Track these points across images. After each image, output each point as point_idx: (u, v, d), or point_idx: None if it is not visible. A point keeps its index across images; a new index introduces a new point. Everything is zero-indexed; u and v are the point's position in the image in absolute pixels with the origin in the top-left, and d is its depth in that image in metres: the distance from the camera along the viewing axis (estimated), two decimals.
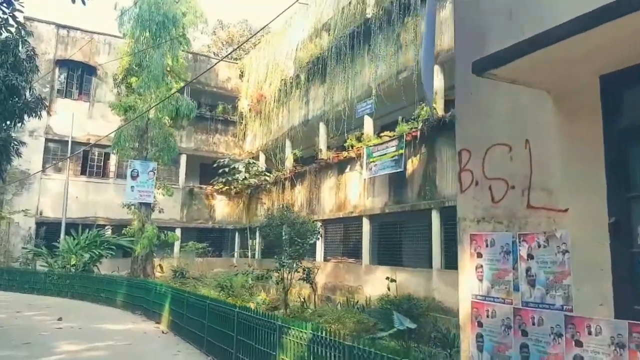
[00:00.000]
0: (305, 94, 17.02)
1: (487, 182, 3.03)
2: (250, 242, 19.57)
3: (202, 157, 23.33)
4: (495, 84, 2.69)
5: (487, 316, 2.87)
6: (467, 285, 3.08)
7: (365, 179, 13.02)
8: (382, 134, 12.25)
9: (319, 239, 11.81)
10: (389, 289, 10.05)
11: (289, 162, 18.06)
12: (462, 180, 3.21)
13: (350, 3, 14.50)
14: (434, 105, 10.71)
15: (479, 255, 2.97)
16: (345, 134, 13.72)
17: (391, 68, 12.44)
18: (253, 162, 16.74)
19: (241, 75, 24.53)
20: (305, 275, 10.21)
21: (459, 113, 3.40)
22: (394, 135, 11.56)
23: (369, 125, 13.40)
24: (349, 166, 13.99)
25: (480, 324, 2.92)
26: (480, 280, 2.94)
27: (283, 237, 10.83)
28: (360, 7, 14.03)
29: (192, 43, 20.23)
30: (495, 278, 2.83)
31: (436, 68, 10.77)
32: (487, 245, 2.92)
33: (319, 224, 13.06)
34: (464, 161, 3.20)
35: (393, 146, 11.47)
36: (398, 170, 11.27)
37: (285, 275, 10.34)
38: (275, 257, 10.90)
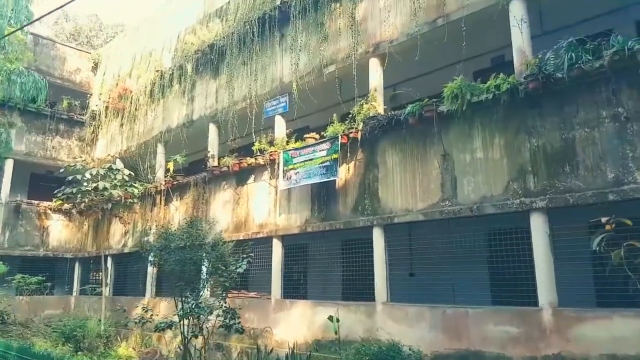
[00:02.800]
0: (191, 89, 13.80)
1: None
2: (97, 274, 15.11)
3: (35, 165, 17.86)
4: None
5: None
6: None
7: (278, 191, 10.33)
8: (307, 136, 9.72)
9: (249, 263, 8.50)
10: (336, 332, 7.34)
11: (161, 173, 14.45)
12: None
13: None
14: (372, 102, 8.70)
15: None
16: (253, 136, 10.87)
17: (313, 61, 10.18)
18: (116, 169, 12.54)
19: (95, 68, 19.71)
20: (228, 320, 6.91)
21: None
22: (323, 137, 9.12)
23: (280, 126, 10.95)
24: (253, 175, 11.24)
25: None
26: None
27: (189, 265, 7.35)
28: None
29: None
30: None
31: (375, 61, 9.13)
32: None
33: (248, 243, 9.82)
34: None
35: (323, 150, 9.12)
36: (330, 179, 8.84)
37: (192, 322, 6.88)
38: (181, 296, 7.33)
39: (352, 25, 9.48)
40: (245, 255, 8.22)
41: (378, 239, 8.44)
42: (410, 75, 9.93)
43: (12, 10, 14.75)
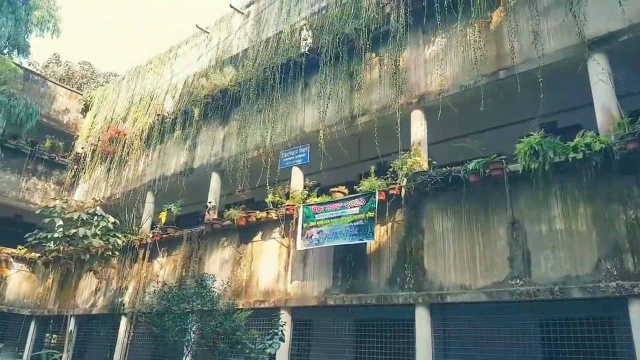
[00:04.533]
0: (195, 135, 12.57)
1: None
2: (56, 336, 12.66)
3: (4, 207, 15.55)
4: None
5: None
6: None
7: (292, 252, 8.94)
8: (334, 190, 8.36)
9: (278, 344, 6.47)
10: None
11: (147, 224, 12.87)
12: None
13: (280, 33, 10.97)
14: (416, 157, 7.48)
15: None
16: (267, 188, 9.53)
17: (341, 112, 9.24)
18: (100, 215, 10.63)
19: (85, 110, 18.22)
20: None
21: None
22: (354, 192, 7.88)
23: (298, 178, 9.76)
24: (261, 232, 9.78)
25: None
26: None
27: (191, 333, 5.37)
28: (294, 38, 10.60)
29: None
30: None
31: (418, 114, 8.18)
32: None
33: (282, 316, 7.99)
34: None
35: (355, 207, 7.81)
36: (363, 241, 7.48)
37: None
38: None
39: (394, 74, 8.46)
40: (276, 330, 6.26)
41: (422, 320, 6.79)
42: (453, 132, 8.83)
43: (8, 39, 13.39)
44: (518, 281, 6.14)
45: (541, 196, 6.24)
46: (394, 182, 7.70)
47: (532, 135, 6.15)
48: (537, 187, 6.19)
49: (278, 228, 9.33)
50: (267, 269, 9.27)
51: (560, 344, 5.81)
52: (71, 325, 12.73)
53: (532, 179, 6.13)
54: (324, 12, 10.15)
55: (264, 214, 9.44)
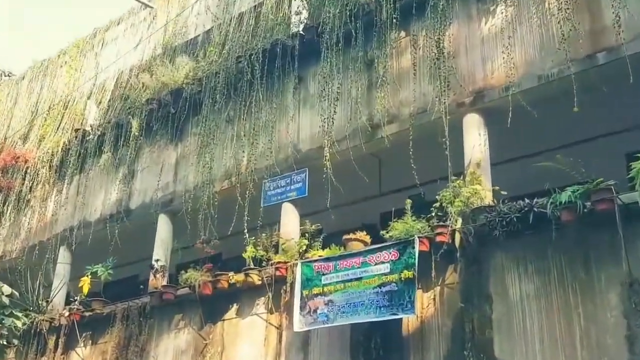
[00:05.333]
0: (133, 159, 12.73)
1: None
2: None
3: None
4: None
5: None
6: None
7: (286, 335, 8.95)
8: (349, 237, 8.55)
9: None
10: None
11: (61, 295, 12.90)
12: None
13: (260, 5, 11.20)
14: (474, 185, 7.51)
15: None
16: (246, 236, 9.60)
17: (354, 120, 9.40)
18: None
19: None
20: None
21: None
22: (385, 239, 8.00)
23: (291, 221, 9.80)
24: (236, 304, 9.79)
25: None
26: None
27: None
28: (282, 12, 10.77)
29: None
30: None
31: (474, 119, 8.28)
32: None
33: None
34: None
35: (384, 262, 7.90)
36: (397, 316, 7.61)
37: None
38: None
39: (435, 61, 8.46)
40: None
41: None
42: (524, 147, 8.86)
43: None
44: None
45: None
46: (441, 223, 7.55)
47: None
48: None
49: (263, 298, 9.26)
50: None
51: None
52: None
53: None
54: None
55: (241, 277, 9.31)
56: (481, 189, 7.60)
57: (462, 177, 7.73)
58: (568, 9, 7.35)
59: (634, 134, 7.26)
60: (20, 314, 11.12)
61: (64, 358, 11.76)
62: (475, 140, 7.99)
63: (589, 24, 7.37)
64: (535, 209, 6.71)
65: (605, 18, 7.22)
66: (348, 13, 9.43)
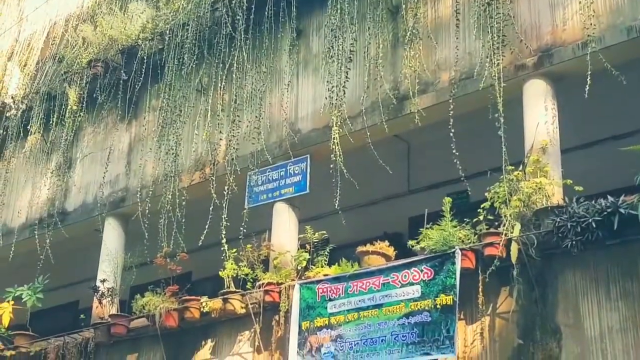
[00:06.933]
0: (70, 142, 12.83)
1: None
2: None
3: None
4: None
5: None
6: None
7: None
8: (365, 249, 8.69)
9: None
10: None
11: None
12: None
13: None
14: (538, 178, 7.62)
15: None
16: (225, 248, 9.73)
17: (375, 86, 9.47)
18: None
19: None
20: None
21: None
22: (414, 252, 8.22)
23: (287, 227, 10.05)
24: (211, 341, 10.05)
25: None
26: None
27: None
28: None
29: None
30: None
31: (539, 87, 8.36)
32: None
33: None
34: None
35: (413, 284, 8.05)
36: (431, 357, 7.77)
37: None
38: None
39: (484, 7, 8.42)
40: None
41: None
42: (607, 127, 8.88)
43: None
44: None
45: None
46: (493, 230, 7.67)
47: None
48: None
49: (247, 332, 9.48)
50: None
51: None
52: None
53: None
54: None
55: (217, 304, 9.45)
56: (548, 183, 7.63)
57: (521, 168, 7.80)
58: None
59: None
60: None
61: None
62: (541, 116, 8.02)
63: None
64: (622, 210, 6.70)
65: None
66: None
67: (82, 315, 11.51)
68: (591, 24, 7.67)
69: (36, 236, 12.28)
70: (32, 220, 12.74)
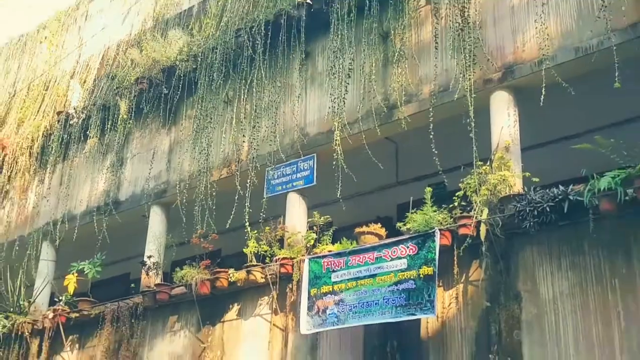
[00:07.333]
0: (122, 145, 12.94)
1: None
2: None
3: None
4: None
5: None
6: None
7: (292, 337, 9.10)
8: (362, 230, 8.71)
9: None
10: None
11: (44, 296, 12.99)
12: None
13: None
14: (502, 171, 7.69)
15: None
16: (248, 230, 9.77)
17: (367, 100, 9.45)
18: None
19: None
20: None
21: None
22: (402, 232, 8.18)
23: (298, 213, 9.92)
24: (237, 305, 9.96)
25: None
26: None
27: None
28: None
29: None
30: None
31: (504, 97, 8.31)
32: None
33: None
34: None
35: (400, 257, 8.00)
36: (415, 317, 7.73)
37: None
38: None
39: (459, 31, 8.50)
40: None
41: None
42: (559, 129, 8.89)
43: None
44: None
45: None
46: (465, 214, 7.65)
47: None
48: None
49: (267, 297, 9.40)
50: None
51: None
52: None
53: None
54: None
55: (242, 275, 9.44)
56: (510, 176, 7.61)
57: (488, 163, 7.77)
58: None
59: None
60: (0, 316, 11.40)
61: None
62: (504, 121, 7.99)
63: None
64: (571, 197, 6.71)
65: None
66: None
67: (132, 285, 11.60)
68: (545, 45, 7.65)
69: (94, 221, 12.30)
70: (91, 208, 12.71)
